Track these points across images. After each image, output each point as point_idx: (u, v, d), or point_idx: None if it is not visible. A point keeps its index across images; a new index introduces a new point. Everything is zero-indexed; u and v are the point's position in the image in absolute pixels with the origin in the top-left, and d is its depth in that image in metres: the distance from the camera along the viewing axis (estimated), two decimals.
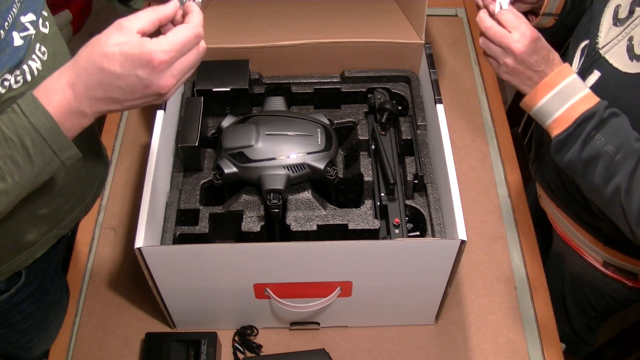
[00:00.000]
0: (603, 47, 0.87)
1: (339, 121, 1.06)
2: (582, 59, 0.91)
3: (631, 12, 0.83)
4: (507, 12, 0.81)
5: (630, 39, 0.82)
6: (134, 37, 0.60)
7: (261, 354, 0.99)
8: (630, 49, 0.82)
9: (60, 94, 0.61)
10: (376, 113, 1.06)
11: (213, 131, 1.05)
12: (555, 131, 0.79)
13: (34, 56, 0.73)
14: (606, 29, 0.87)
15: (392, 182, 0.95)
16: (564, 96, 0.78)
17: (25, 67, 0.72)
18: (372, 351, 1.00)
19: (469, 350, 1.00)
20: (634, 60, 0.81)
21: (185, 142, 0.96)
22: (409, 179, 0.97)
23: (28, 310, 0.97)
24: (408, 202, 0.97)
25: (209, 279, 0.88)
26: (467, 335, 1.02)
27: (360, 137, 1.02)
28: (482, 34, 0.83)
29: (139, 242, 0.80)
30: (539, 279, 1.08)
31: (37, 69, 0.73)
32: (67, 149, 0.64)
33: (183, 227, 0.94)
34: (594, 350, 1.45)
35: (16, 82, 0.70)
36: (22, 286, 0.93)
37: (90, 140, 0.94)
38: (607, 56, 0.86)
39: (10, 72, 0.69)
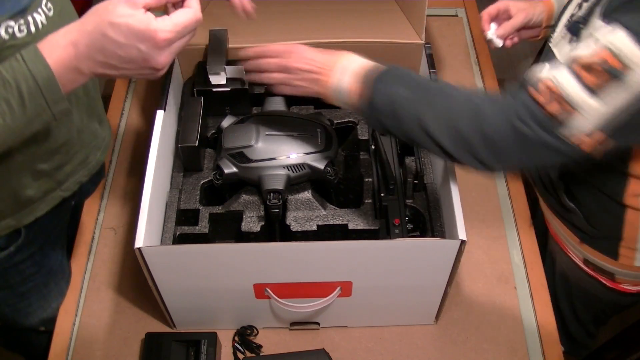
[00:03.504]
0: (553, 42, 0.91)
1: (339, 121, 1.06)
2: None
3: (579, 7, 0.87)
4: (270, 45, 0.91)
5: None
6: (141, 11, 0.63)
7: (261, 354, 0.99)
8: (570, 40, 0.85)
9: (62, 50, 0.64)
10: None
11: (213, 131, 1.05)
12: (354, 101, 0.81)
13: (39, 10, 0.76)
14: (561, 26, 0.91)
15: (392, 182, 0.95)
16: (347, 71, 0.81)
17: (30, 18, 0.74)
18: (372, 351, 1.00)
19: (469, 350, 1.00)
20: (571, 47, 0.84)
21: (185, 142, 0.96)
22: (409, 179, 0.97)
23: (27, 272, 0.99)
24: (408, 202, 0.97)
25: (209, 279, 0.88)
26: (467, 335, 1.02)
27: (360, 137, 1.02)
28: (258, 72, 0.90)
29: (139, 242, 0.80)
30: (539, 279, 1.08)
31: (41, 22, 0.76)
32: (60, 102, 0.66)
33: (183, 227, 0.94)
34: (594, 350, 1.46)
35: (20, 31, 0.73)
36: (22, 245, 0.94)
37: (93, 104, 0.96)
38: (554, 49, 0.89)
39: (14, 19, 0.71)
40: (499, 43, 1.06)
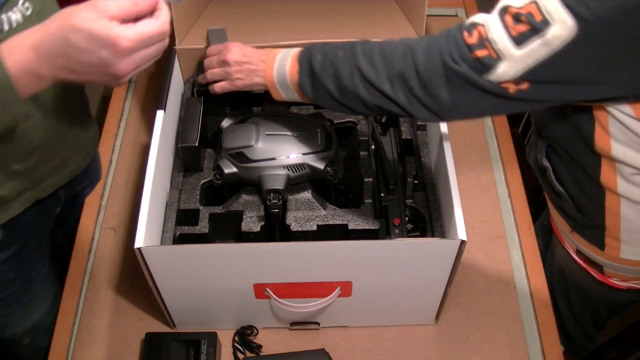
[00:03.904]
0: None
1: (339, 121, 1.06)
2: None
3: None
4: (211, 46, 0.98)
5: None
6: (105, 18, 0.62)
7: (261, 354, 0.99)
8: None
9: (22, 53, 0.63)
10: None
11: (213, 131, 1.05)
12: (295, 80, 0.85)
13: (15, 9, 0.76)
14: None
15: (392, 182, 0.95)
16: (285, 59, 0.86)
17: (4, 16, 0.74)
18: (372, 351, 1.00)
19: (469, 350, 1.00)
20: None
21: (185, 142, 0.96)
22: (409, 179, 0.97)
23: (6, 277, 0.99)
24: (408, 202, 0.97)
25: (209, 279, 0.88)
26: (467, 335, 1.02)
27: (360, 137, 1.02)
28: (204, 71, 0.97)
29: (139, 242, 0.80)
30: (539, 279, 1.08)
31: (16, 21, 0.76)
32: (17, 105, 0.65)
33: (183, 227, 0.94)
34: (594, 350, 1.46)
35: None
36: None
37: (79, 108, 0.96)
38: None
39: None
40: None
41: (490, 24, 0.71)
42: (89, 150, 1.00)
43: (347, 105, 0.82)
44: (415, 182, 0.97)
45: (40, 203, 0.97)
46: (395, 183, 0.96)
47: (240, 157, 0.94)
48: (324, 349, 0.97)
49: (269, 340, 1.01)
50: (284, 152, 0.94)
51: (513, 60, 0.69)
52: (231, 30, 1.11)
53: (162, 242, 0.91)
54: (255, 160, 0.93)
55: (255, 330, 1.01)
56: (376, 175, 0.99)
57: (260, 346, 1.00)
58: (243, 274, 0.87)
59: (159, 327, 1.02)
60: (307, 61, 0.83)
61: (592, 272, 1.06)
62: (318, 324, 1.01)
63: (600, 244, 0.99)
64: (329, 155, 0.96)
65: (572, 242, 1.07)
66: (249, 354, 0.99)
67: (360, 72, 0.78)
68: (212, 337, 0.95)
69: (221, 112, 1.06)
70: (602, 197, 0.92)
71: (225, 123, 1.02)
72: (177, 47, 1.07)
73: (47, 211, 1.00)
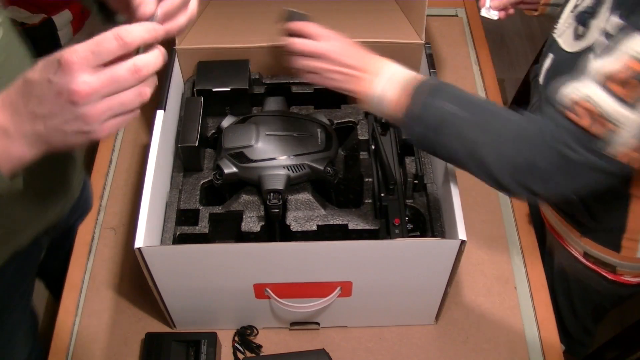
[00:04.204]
0: (557, 32, 0.90)
1: (339, 121, 1.06)
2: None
3: None
4: (309, 24, 0.84)
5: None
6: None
7: (261, 354, 0.99)
8: (575, 30, 0.85)
9: None
10: None
11: (213, 131, 1.05)
12: (396, 113, 0.79)
13: None
14: (565, 17, 0.90)
15: (392, 182, 0.95)
16: (394, 80, 0.79)
17: None
18: (372, 351, 1.00)
19: (469, 350, 1.00)
20: (576, 40, 0.83)
21: (185, 142, 0.96)
22: (409, 179, 0.97)
23: None
24: (408, 202, 0.97)
25: (209, 279, 0.88)
26: (467, 335, 1.02)
27: (360, 137, 1.02)
28: (292, 53, 0.84)
29: (139, 242, 0.80)
30: (539, 279, 1.08)
31: None
32: None
33: (183, 227, 0.94)
34: (594, 350, 1.46)
35: None
36: None
37: (56, 163, 0.90)
38: (559, 39, 0.89)
39: None
40: (493, 16, 1.05)
41: (594, 96, 0.67)
42: (68, 199, 0.95)
43: (440, 153, 0.79)
44: (415, 182, 0.97)
45: (20, 255, 0.92)
46: (395, 183, 0.96)
47: (240, 157, 0.94)
48: (324, 349, 0.97)
49: (269, 340, 1.01)
50: (284, 152, 0.94)
51: (633, 125, 0.66)
52: (231, 30, 1.11)
53: (162, 242, 0.91)
54: (255, 160, 0.93)
55: (255, 330, 1.01)
56: (376, 175, 0.99)
57: (260, 346, 1.00)
58: (243, 274, 0.87)
59: (159, 327, 1.02)
60: (418, 105, 0.76)
61: (602, 273, 1.06)
62: (318, 324, 1.01)
63: (616, 247, 0.99)
64: (329, 155, 0.96)
65: (579, 246, 1.06)
66: (249, 354, 0.99)
67: (468, 144, 0.74)
68: (212, 337, 0.95)
69: (221, 112, 1.06)
70: (625, 202, 0.92)
71: (225, 123, 1.02)
72: (177, 47, 1.07)
73: (29, 263, 0.96)
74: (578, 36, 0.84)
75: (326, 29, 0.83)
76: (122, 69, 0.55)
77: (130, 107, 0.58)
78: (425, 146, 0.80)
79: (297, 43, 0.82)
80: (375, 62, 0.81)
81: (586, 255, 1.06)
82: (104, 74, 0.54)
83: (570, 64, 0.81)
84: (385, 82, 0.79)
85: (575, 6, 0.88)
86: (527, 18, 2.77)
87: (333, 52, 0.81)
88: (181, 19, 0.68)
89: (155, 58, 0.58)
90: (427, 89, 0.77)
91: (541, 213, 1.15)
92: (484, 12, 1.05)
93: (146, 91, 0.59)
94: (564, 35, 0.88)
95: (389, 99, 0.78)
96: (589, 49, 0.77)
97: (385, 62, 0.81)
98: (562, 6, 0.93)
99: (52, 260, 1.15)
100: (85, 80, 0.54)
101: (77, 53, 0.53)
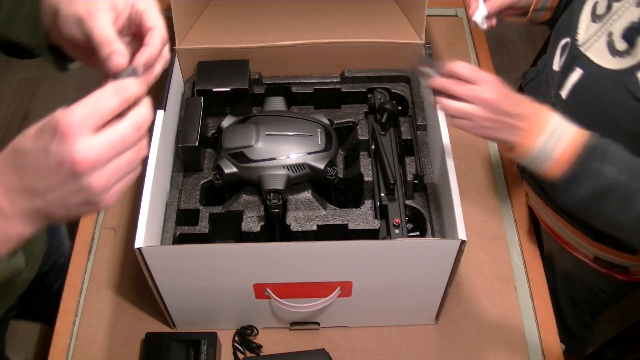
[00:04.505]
0: (583, 44, 0.86)
1: (339, 121, 1.06)
2: (564, 57, 0.91)
3: (609, 7, 0.83)
4: (461, 64, 0.77)
5: (610, 35, 0.82)
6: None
7: (261, 354, 0.99)
8: (610, 45, 0.82)
9: None
10: (376, 113, 1.06)
11: (213, 131, 1.05)
12: (558, 172, 0.75)
13: None
14: (585, 26, 0.87)
15: (392, 182, 0.95)
16: (558, 136, 0.75)
17: None
18: (372, 351, 1.00)
19: (469, 350, 1.00)
20: (616, 56, 0.81)
21: (185, 142, 0.96)
22: (409, 179, 0.97)
23: None
24: (408, 202, 0.97)
25: (209, 279, 0.88)
26: (467, 335, 1.02)
27: (360, 137, 1.02)
28: (438, 95, 0.78)
29: (139, 242, 0.80)
30: (539, 279, 1.08)
31: None
32: None
33: (183, 227, 0.94)
34: (594, 350, 1.46)
35: None
36: None
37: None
38: (587, 53, 0.85)
39: None
40: (484, 25, 0.99)
41: None
42: (33, 266, 0.89)
43: (594, 219, 0.78)
44: (415, 182, 0.97)
45: None
46: (395, 183, 0.96)
47: (240, 157, 0.94)
48: (324, 349, 0.97)
49: (269, 340, 1.01)
50: (284, 152, 0.94)
51: None
52: (231, 30, 1.11)
53: (162, 242, 0.91)
54: (255, 160, 0.93)
55: (255, 330, 1.01)
56: (376, 175, 0.99)
57: (260, 346, 1.00)
58: (243, 274, 0.87)
59: (159, 327, 1.02)
60: (589, 170, 0.73)
61: (615, 275, 1.06)
62: (318, 324, 1.01)
63: (632, 250, 0.99)
64: (329, 155, 0.96)
65: (589, 252, 1.05)
66: (249, 354, 0.99)
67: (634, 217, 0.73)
68: (212, 337, 0.95)
69: (221, 112, 1.06)
70: None
71: (225, 123, 1.02)
72: (177, 47, 1.07)
73: None
74: (618, 52, 0.80)
75: (482, 71, 0.77)
76: (127, 128, 0.51)
77: (134, 167, 0.54)
78: (582, 209, 0.77)
79: (454, 86, 0.76)
80: (535, 110, 0.76)
81: (596, 259, 1.06)
82: (107, 136, 0.49)
83: (610, 82, 0.79)
84: (548, 137, 0.74)
85: (594, 12, 0.85)
86: None
87: (493, 98, 0.74)
88: (157, 68, 0.62)
89: (149, 110, 0.53)
90: (596, 153, 0.73)
91: (539, 220, 1.15)
92: (475, 18, 0.98)
93: (144, 145, 0.54)
94: (593, 48, 0.84)
95: (551, 157, 0.74)
96: (637, 67, 0.75)
97: (546, 112, 0.76)
98: (574, 13, 0.89)
99: (36, 305, 1.13)
100: (88, 146, 0.48)
101: (74, 115, 0.48)
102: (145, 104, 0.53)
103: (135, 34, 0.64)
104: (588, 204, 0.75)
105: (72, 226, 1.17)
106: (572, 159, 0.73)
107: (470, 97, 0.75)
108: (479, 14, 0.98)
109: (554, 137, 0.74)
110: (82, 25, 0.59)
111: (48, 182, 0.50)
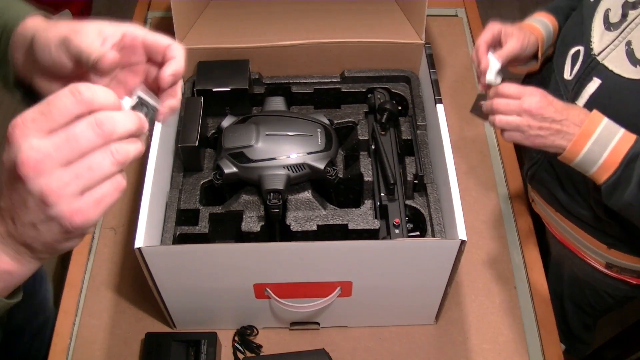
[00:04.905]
0: (600, 53, 0.85)
1: (339, 121, 1.06)
2: (578, 66, 0.90)
3: (624, 15, 0.82)
4: (507, 85, 0.82)
5: (629, 44, 0.81)
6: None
7: (261, 354, 0.99)
8: (630, 54, 0.81)
9: None
10: (376, 113, 1.06)
11: (213, 131, 1.05)
12: (604, 176, 0.78)
13: None
14: (599, 34, 0.86)
15: (392, 182, 0.95)
16: (604, 141, 0.77)
17: None
18: (372, 351, 1.00)
19: (469, 350, 1.00)
20: (637, 66, 0.80)
21: (185, 142, 0.96)
22: (409, 179, 0.97)
23: None
24: (408, 202, 0.97)
25: (209, 279, 0.88)
26: (467, 335, 1.02)
27: (360, 137, 1.02)
28: (492, 114, 0.83)
29: (139, 242, 0.80)
30: (539, 279, 1.08)
31: None
32: None
33: (183, 227, 0.94)
34: (594, 350, 1.45)
35: None
36: None
37: None
38: (605, 62, 0.84)
39: None
40: (498, 80, 0.92)
41: None
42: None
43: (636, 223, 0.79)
44: (415, 182, 0.97)
45: None
46: (395, 183, 0.96)
47: (240, 157, 0.94)
48: (324, 349, 0.97)
49: (269, 340, 1.01)
50: (284, 152, 0.94)
51: None
52: (231, 30, 1.11)
53: (162, 242, 0.91)
54: (255, 160, 0.93)
55: (255, 330, 1.01)
56: (376, 175, 0.99)
57: (260, 346, 1.00)
58: (243, 274, 0.87)
59: (159, 327, 1.02)
60: (626, 175, 0.75)
61: (627, 279, 1.06)
62: (318, 324, 1.01)
63: None
64: (329, 155, 0.96)
65: (602, 258, 1.05)
66: (249, 354, 0.99)
67: None
68: (212, 337, 0.95)
69: (221, 112, 1.06)
70: None
71: (225, 123, 1.02)
72: None
73: None
74: (637, 60, 0.80)
75: (525, 86, 0.82)
76: (79, 125, 0.44)
77: (104, 173, 0.45)
78: (628, 213, 0.79)
79: (500, 103, 0.82)
80: (583, 115, 0.79)
81: (609, 265, 1.05)
82: (57, 136, 0.43)
83: (633, 92, 0.80)
84: (594, 140, 0.76)
85: (607, 20, 0.84)
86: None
87: (536, 107, 0.79)
88: (178, 92, 0.56)
89: (122, 114, 0.45)
90: (638, 158, 0.74)
91: (546, 225, 1.15)
92: (490, 76, 0.91)
93: (119, 149, 0.45)
94: (610, 57, 0.84)
95: (597, 160, 0.76)
96: None
97: (594, 117, 0.79)
98: (584, 20, 0.88)
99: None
100: (31, 146, 0.42)
101: (21, 117, 0.43)
102: (119, 107, 0.47)
103: (131, 63, 0.58)
104: (634, 206, 0.77)
105: None
106: (616, 164, 0.76)
107: (516, 111, 0.80)
108: (492, 70, 0.92)
109: (600, 143, 0.77)
110: (67, 43, 0.54)
111: (8, 196, 0.45)
